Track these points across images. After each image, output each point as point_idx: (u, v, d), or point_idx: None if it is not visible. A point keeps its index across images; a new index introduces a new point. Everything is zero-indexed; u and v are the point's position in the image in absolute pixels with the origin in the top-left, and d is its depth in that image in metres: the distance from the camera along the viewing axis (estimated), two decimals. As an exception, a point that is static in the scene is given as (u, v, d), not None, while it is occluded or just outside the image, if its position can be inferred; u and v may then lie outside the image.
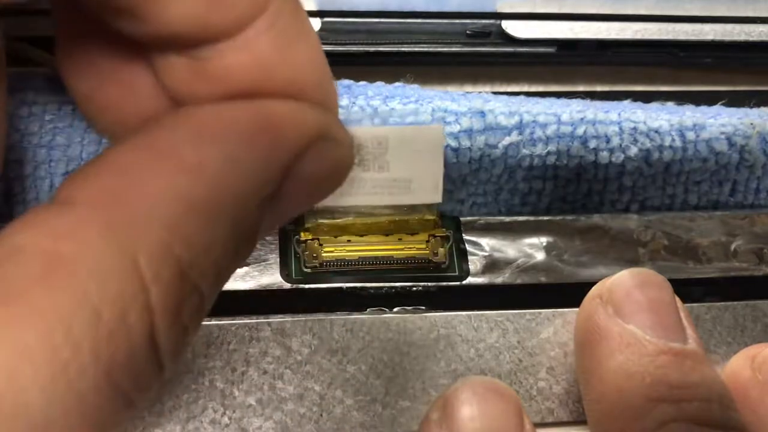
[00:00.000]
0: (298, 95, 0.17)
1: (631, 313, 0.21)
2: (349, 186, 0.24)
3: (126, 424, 0.17)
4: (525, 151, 0.26)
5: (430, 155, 0.24)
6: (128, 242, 0.14)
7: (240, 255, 0.16)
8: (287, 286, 0.24)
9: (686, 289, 0.25)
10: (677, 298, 0.22)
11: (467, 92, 0.27)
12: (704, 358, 0.21)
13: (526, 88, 0.31)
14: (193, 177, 0.15)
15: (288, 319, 0.24)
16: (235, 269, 0.17)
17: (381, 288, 0.25)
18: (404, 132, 0.24)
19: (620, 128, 0.26)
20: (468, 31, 0.30)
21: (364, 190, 0.24)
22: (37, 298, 0.13)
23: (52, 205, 0.15)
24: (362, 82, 0.27)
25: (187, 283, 0.15)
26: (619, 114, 0.27)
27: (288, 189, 0.16)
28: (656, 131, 0.26)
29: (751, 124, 0.27)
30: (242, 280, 0.24)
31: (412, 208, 0.25)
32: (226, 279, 0.16)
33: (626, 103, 0.27)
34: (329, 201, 0.24)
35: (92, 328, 0.13)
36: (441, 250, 0.25)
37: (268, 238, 0.25)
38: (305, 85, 0.17)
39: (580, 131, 0.26)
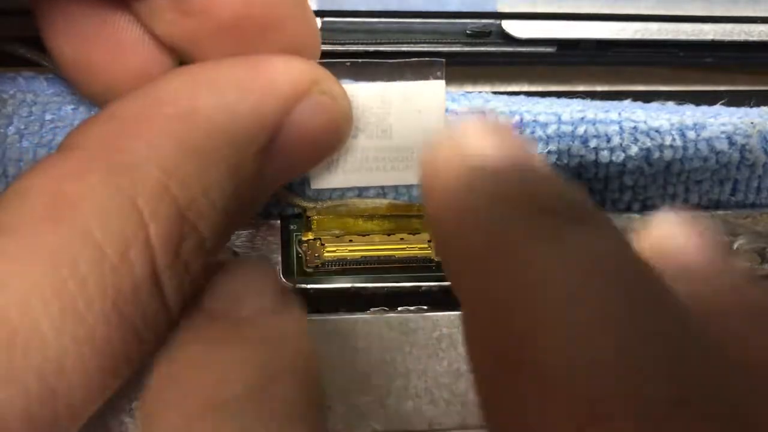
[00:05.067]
0: (279, 28, 0.17)
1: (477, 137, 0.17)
2: (353, 158, 0.24)
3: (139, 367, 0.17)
4: None
5: (432, 116, 0.24)
6: (127, 183, 0.15)
7: (242, 203, 0.17)
8: (289, 285, 0.24)
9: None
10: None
11: (467, 92, 0.27)
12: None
13: (526, 87, 0.31)
14: (188, 122, 0.16)
15: (290, 319, 0.24)
16: (239, 220, 0.17)
17: (383, 288, 0.25)
18: (406, 88, 0.24)
19: (621, 127, 0.26)
20: (468, 31, 0.30)
21: (368, 165, 0.24)
22: (43, 233, 0.14)
23: (57, 152, 0.16)
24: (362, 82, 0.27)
25: (185, 222, 0.15)
26: (620, 113, 0.27)
27: (284, 140, 0.17)
28: (657, 130, 0.26)
29: (752, 123, 0.27)
30: (243, 280, 0.24)
31: (413, 207, 0.25)
32: (229, 226, 0.17)
33: (626, 102, 0.27)
34: (336, 195, 0.24)
35: (96, 263, 0.14)
36: (443, 250, 0.25)
37: (270, 237, 0.25)
38: (286, 19, 0.17)
39: (580, 130, 0.26)
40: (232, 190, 0.16)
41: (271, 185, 0.18)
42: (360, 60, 0.25)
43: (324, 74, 0.18)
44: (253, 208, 0.18)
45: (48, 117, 0.25)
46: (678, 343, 0.13)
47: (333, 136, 0.18)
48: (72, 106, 0.25)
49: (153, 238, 0.15)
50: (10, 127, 0.24)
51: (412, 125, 0.24)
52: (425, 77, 0.24)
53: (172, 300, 0.16)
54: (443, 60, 0.24)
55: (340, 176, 0.24)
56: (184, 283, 0.16)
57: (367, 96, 0.23)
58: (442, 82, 0.24)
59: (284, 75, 0.17)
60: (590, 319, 0.13)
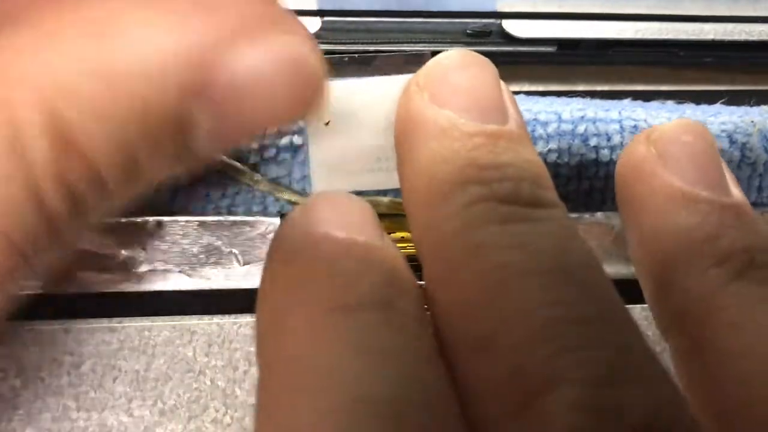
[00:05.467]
0: None
1: (447, 97, 0.19)
2: (356, 158, 0.23)
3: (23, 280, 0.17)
4: None
5: None
6: (7, 90, 0.14)
7: (159, 149, 0.15)
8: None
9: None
10: (501, 81, 0.20)
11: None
12: (524, 138, 0.19)
13: (526, 87, 0.31)
14: (94, 40, 0.14)
15: (290, 317, 0.23)
16: (157, 165, 0.16)
17: (383, 286, 0.25)
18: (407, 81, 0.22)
19: (621, 126, 0.26)
20: (468, 31, 0.30)
21: (370, 165, 0.23)
22: None
23: None
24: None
25: (71, 147, 0.14)
26: (620, 112, 0.27)
27: (224, 85, 0.15)
28: (657, 129, 0.26)
29: (752, 121, 0.27)
30: (243, 278, 0.24)
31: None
32: (142, 170, 0.15)
33: (627, 101, 0.27)
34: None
35: None
36: (443, 249, 0.25)
37: (269, 235, 0.25)
38: None
39: (580, 129, 0.26)
40: (142, 127, 0.15)
41: (214, 141, 0.16)
42: (357, 54, 0.25)
43: (283, 17, 0.16)
44: (191, 162, 0.16)
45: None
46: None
47: (294, 91, 0.16)
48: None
49: (31, 152, 0.14)
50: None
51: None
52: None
53: (62, 225, 0.15)
54: (428, 51, 0.24)
55: (343, 179, 0.24)
56: (74, 212, 0.15)
57: (367, 91, 0.23)
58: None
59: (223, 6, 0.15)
60: None
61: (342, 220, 0.17)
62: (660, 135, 0.21)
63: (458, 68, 0.19)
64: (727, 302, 0.18)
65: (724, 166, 0.21)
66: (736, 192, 0.20)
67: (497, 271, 0.16)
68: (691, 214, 0.19)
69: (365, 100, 0.23)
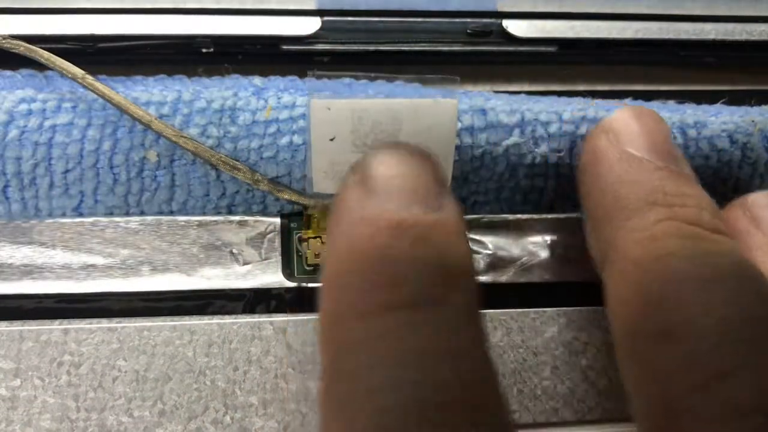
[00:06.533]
0: None
1: (630, 139, 0.22)
2: None
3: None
4: (526, 149, 0.26)
5: (443, 134, 0.23)
6: None
7: None
8: (289, 284, 0.24)
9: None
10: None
11: (468, 91, 0.27)
12: (696, 180, 0.22)
13: (526, 87, 0.31)
14: None
15: (290, 317, 0.23)
16: None
17: (383, 287, 0.25)
18: (418, 106, 0.23)
19: (622, 126, 0.26)
20: (469, 30, 0.30)
21: None
22: None
23: None
24: (363, 81, 0.27)
25: None
26: (621, 112, 0.27)
27: None
28: (658, 129, 0.26)
29: (753, 121, 0.27)
30: (243, 278, 0.24)
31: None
32: None
33: (627, 101, 0.27)
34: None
35: None
36: (444, 249, 0.25)
37: (269, 235, 0.25)
38: None
39: (582, 130, 0.26)
40: None
41: None
42: (373, 74, 0.25)
43: None
44: None
45: (48, 115, 0.25)
46: None
47: None
48: (72, 104, 0.25)
49: None
50: (10, 125, 0.24)
51: (421, 142, 0.23)
52: (438, 95, 0.24)
53: None
54: (458, 78, 0.24)
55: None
56: None
57: (378, 111, 0.23)
58: (455, 102, 0.23)
59: None
60: None
61: (394, 192, 0.18)
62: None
63: (637, 117, 0.23)
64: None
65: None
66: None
67: (678, 275, 0.19)
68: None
69: (374, 120, 0.23)
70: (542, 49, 0.30)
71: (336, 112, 0.22)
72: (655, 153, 0.22)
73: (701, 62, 0.31)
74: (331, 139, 0.23)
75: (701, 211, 0.21)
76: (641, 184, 0.21)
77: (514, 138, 0.26)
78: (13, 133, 0.24)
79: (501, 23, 0.29)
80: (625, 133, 0.22)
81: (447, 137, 0.23)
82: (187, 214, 0.26)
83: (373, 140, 0.23)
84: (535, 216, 0.26)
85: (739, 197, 0.24)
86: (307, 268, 0.25)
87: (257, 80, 0.26)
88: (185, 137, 0.24)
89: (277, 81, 0.26)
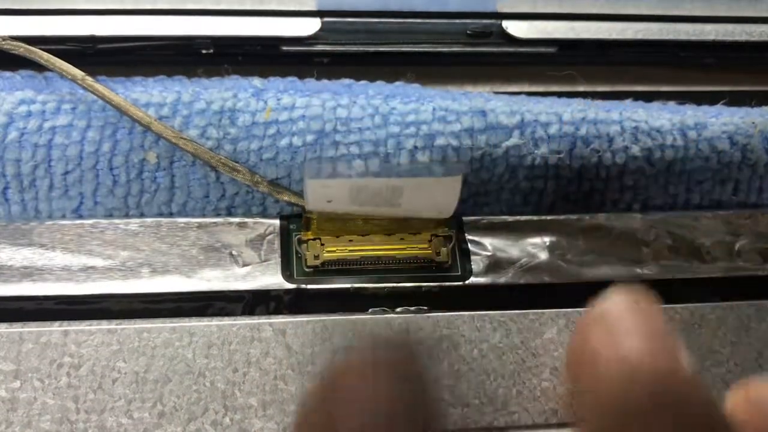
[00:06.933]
0: None
1: (622, 338, 0.20)
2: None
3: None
4: (526, 151, 0.26)
5: (445, 200, 0.24)
6: None
7: None
8: (289, 286, 0.24)
9: (690, 289, 0.25)
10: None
11: (467, 92, 0.27)
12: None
13: (526, 88, 0.31)
14: None
15: (289, 319, 0.23)
16: None
17: (383, 288, 0.25)
18: (420, 183, 0.23)
19: (622, 127, 0.26)
20: (469, 31, 0.30)
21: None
22: None
23: None
24: (363, 82, 0.27)
25: None
26: (621, 113, 0.27)
27: None
28: (658, 130, 0.26)
29: (753, 123, 0.27)
30: (243, 280, 0.24)
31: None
32: None
33: (627, 102, 0.27)
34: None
35: None
36: (443, 250, 0.25)
37: (268, 237, 0.25)
38: None
39: (582, 131, 0.26)
40: None
41: None
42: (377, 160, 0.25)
43: None
44: None
45: (47, 116, 0.25)
46: None
47: None
48: (71, 106, 0.25)
49: None
50: (9, 127, 0.24)
51: (423, 202, 0.24)
52: (442, 174, 0.24)
53: None
54: (465, 166, 0.25)
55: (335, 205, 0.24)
56: None
57: (379, 186, 0.23)
58: (459, 178, 0.23)
59: None
60: None
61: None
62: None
63: (629, 313, 0.20)
64: None
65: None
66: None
67: None
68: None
69: (375, 191, 0.23)
70: (542, 49, 0.30)
71: (335, 189, 0.23)
72: (649, 356, 0.20)
73: (701, 63, 0.31)
74: (329, 201, 0.23)
75: None
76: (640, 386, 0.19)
77: (514, 139, 0.26)
78: (13, 134, 0.24)
79: (501, 24, 0.29)
80: (619, 332, 0.20)
81: (449, 201, 0.24)
82: (186, 215, 0.26)
83: (371, 202, 0.23)
84: (534, 217, 0.26)
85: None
86: (307, 269, 0.25)
87: (257, 81, 0.26)
88: (185, 139, 0.24)
89: (276, 82, 0.26)
